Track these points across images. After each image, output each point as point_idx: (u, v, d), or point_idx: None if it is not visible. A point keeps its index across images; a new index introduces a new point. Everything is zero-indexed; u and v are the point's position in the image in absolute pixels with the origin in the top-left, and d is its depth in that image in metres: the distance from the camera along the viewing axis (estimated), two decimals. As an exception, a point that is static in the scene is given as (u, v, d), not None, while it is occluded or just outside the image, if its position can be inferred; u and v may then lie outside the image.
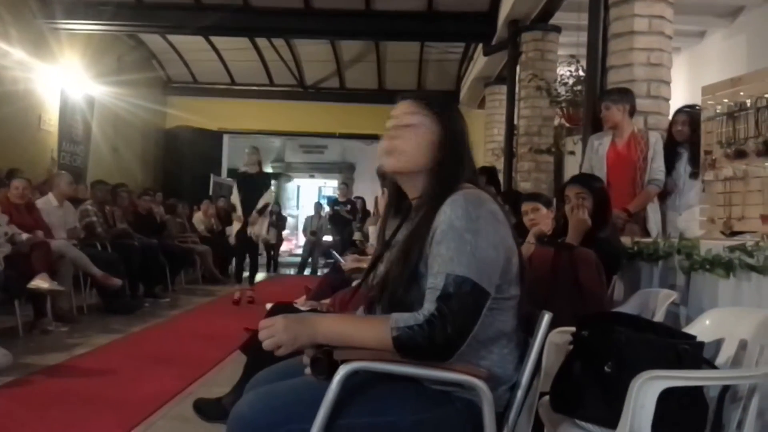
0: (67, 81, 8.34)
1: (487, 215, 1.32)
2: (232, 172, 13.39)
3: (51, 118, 8.16)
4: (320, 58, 10.25)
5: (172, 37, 9.79)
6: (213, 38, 9.55)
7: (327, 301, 2.66)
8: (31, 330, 4.59)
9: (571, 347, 1.72)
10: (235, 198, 6.49)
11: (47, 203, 5.68)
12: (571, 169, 5.60)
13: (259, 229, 6.47)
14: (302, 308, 2.27)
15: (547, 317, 1.37)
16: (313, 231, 11.96)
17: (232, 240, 6.89)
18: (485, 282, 1.26)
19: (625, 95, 3.67)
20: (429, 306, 1.24)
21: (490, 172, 6.92)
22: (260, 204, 6.35)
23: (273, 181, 14.26)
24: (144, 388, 3.33)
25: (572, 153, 5.66)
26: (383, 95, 11.15)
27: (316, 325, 1.30)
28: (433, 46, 9.52)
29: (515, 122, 6.93)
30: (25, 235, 4.85)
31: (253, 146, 6.78)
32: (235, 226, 6.58)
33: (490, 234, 1.30)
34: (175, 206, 9.11)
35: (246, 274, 6.83)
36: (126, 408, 2.97)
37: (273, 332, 1.28)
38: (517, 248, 1.42)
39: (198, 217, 9.69)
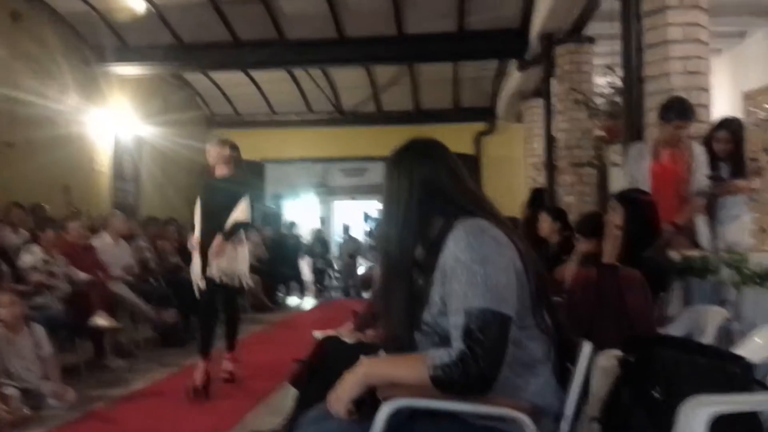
0: (117, 123, 8.74)
1: (489, 242, 1.33)
2: (274, 199, 13.72)
3: (103, 160, 8.54)
4: (356, 84, 10.41)
5: (214, 75, 10.17)
6: (252, 72, 9.86)
7: (371, 331, 2.69)
8: (91, 366, 4.76)
9: (619, 371, 1.70)
10: (197, 218, 4.27)
11: (103, 242, 5.92)
12: (616, 181, 5.51)
13: (229, 263, 4.13)
14: (348, 341, 2.31)
15: (587, 347, 1.37)
16: (351, 254, 12.03)
17: (198, 285, 4.18)
18: (503, 307, 1.28)
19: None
20: (457, 344, 1.27)
21: (535, 193, 6.93)
22: (228, 223, 4.10)
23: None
24: (199, 420, 3.43)
25: (616, 165, 5.58)
26: (420, 116, 11.27)
27: (359, 373, 1.36)
28: (467, 65, 9.56)
29: (554, 136, 6.87)
30: (83, 275, 5.07)
31: (224, 138, 4.58)
32: (196, 263, 4.20)
33: (497, 259, 1.32)
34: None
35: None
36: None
37: (337, 405, 1.36)
38: (534, 268, 1.42)
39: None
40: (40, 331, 3.85)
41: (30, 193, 6.43)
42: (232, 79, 10.30)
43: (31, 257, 4.82)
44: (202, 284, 4.12)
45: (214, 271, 4.07)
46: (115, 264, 5.80)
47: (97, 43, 8.13)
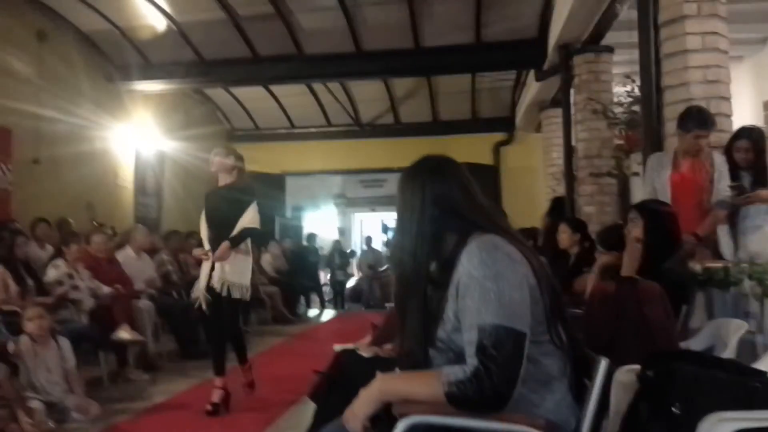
0: (140, 138, 8.89)
1: (503, 258, 1.34)
2: (295, 211, 13.82)
3: (126, 175, 8.69)
4: (374, 97, 10.48)
5: (234, 89, 10.31)
6: (272, 87, 9.98)
7: (389, 345, 2.69)
8: (115, 379, 4.83)
9: (638, 386, 1.69)
10: (203, 229, 4.20)
11: (126, 256, 6.02)
12: (637, 190, 5.45)
13: (234, 272, 3.95)
14: (365, 354, 2.32)
15: (604, 364, 1.36)
16: (370, 265, 12.04)
17: (198, 300, 4.06)
18: (517, 323, 1.28)
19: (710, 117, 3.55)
20: (471, 360, 1.27)
21: (555, 203, 6.89)
22: (237, 229, 3.96)
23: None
24: (221, 434, 3.45)
25: (636, 174, 5.52)
26: (438, 127, 11.28)
27: (375, 390, 1.37)
28: (485, 75, 9.56)
29: (573, 145, 6.83)
30: (106, 289, 5.16)
31: (228, 147, 4.54)
32: (202, 277, 4.05)
33: (510, 275, 1.32)
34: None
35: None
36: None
37: (353, 422, 1.38)
38: (548, 284, 1.42)
39: (266, 259, 9.97)
40: (65, 344, 3.92)
41: (55, 209, 6.57)
42: (252, 94, 10.43)
43: (55, 271, 4.92)
44: (204, 298, 3.98)
45: (215, 279, 3.92)
46: (138, 277, 5.89)
47: (121, 60, 8.31)
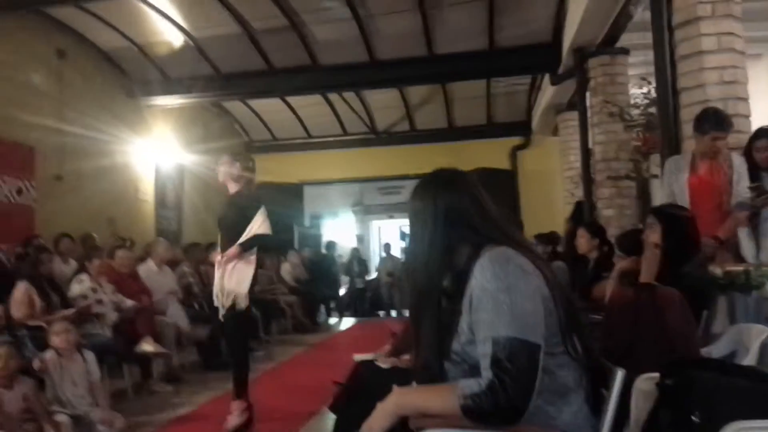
0: (160, 152, 9.03)
1: (515, 270, 1.34)
2: (313, 220, 13.89)
3: (147, 189, 8.82)
4: (389, 105, 10.52)
5: (251, 101, 10.42)
6: (288, 98, 10.07)
7: (407, 356, 2.69)
8: (139, 391, 4.89)
9: (658, 394, 1.67)
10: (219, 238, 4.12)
11: (148, 269, 6.10)
12: (657, 193, 5.40)
13: (232, 280, 3.83)
14: (383, 366, 2.33)
15: (620, 374, 1.36)
16: (389, 272, 12.04)
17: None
18: (531, 335, 1.28)
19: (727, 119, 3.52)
20: (486, 373, 1.28)
21: (577, 206, 6.85)
22: (245, 235, 3.85)
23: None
24: (243, 445, 3.47)
25: (655, 176, 5.48)
26: (454, 133, 11.29)
27: (391, 404, 1.39)
28: (500, 80, 9.55)
29: (590, 149, 6.79)
30: (129, 302, 5.24)
31: (237, 155, 4.26)
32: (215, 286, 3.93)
33: (523, 287, 1.32)
34: (262, 260, 9.49)
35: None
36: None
37: None
38: (562, 294, 1.42)
39: (285, 269, 10.03)
40: (90, 357, 3.98)
41: (77, 224, 6.70)
42: (268, 105, 10.54)
43: (79, 286, 5.01)
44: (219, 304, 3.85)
45: (216, 287, 3.85)
46: (160, 290, 5.97)
47: (140, 76, 8.46)
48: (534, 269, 1.38)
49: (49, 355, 3.75)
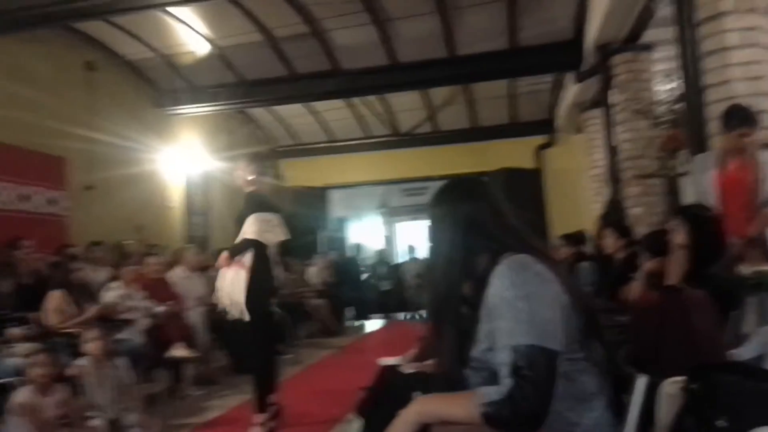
0: (188, 160, 9.19)
1: (533, 278, 1.35)
2: (338, 223, 13.97)
3: (175, 196, 8.99)
4: (412, 107, 10.53)
5: (275, 107, 10.54)
6: (311, 103, 10.16)
7: (432, 361, 2.70)
8: (171, 395, 4.99)
9: (683, 399, 1.66)
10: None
11: (177, 275, 6.22)
12: (687, 190, 5.33)
13: (226, 285, 3.93)
14: (407, 371, 2.34)
15: (643, 380, 1.36)
16: (416, 273, 12.02)
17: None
18: (550, 342, 1.29)
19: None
20: (506, 381, 1.29)
21: (608, 205, 6.76)
22: (240, 238, 3.93)
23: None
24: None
25: (682, 174, 5.40)
26: (477, 133, 11.25)
27: (412, 412, 1.41)
28: (523, 79, 9.49)
29: (616, 147, 6.71)
30: (160, 308, 5.35)
31: (255, 156, 4.28)
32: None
33: (541, 295, 1.34)
34: (289, 263, 9.59)
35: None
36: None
37: None
38: (582, 301, 1.42)
39: (312, 272, 10.11)
40: (123, 363, 4.08)
41: (107, 232, 6.86)
42: (292, 111, 10.65)
43: (111, 293, 5.13)
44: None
45: (217, 294, 3.91)
46: (189, 296, 6.07)
47: (167, 86, 8.64)
48: (553, 276, 1.39)
49: (83, 361, 3.86)
